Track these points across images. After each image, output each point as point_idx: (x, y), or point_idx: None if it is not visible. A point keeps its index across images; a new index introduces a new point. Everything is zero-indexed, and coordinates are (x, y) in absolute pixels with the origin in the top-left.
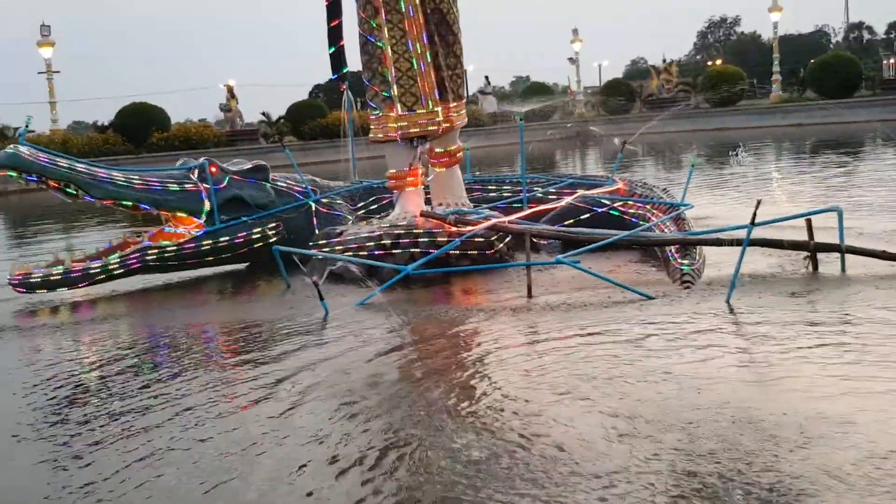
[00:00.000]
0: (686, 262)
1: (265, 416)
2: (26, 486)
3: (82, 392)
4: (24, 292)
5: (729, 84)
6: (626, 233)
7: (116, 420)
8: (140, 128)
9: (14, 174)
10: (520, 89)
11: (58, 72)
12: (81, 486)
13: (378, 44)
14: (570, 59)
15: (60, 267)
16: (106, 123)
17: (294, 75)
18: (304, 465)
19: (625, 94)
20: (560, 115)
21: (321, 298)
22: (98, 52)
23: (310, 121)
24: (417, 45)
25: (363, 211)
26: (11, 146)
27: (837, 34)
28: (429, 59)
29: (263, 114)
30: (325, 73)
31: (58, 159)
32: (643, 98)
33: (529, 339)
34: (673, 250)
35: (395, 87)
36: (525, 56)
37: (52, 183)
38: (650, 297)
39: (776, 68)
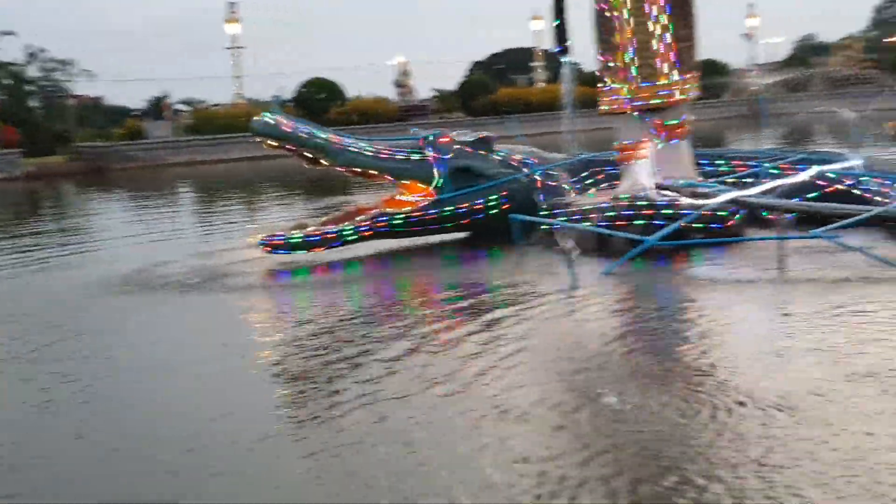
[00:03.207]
0: None
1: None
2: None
3: (331, 340)
4: (272, 252)
5: None
6: (881, 208)
7: (354, 367)
8: (320, 101)
9: (269, 140)
10: None
11: (243, 47)
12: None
13: (616, 15)
14: (746, 35)
15: (303, 231)
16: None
17: (452, 54)
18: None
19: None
20: (731, 93)
21: (570, 266)
22: (279, 29)
23: (480, 97)
24: (661, 17)
25: (582, 183)
26: (264, 114)
27: None
28: (671, 31)
29: (436, 90)
30: (484, 51)
31: (305, 127)
32: (824, 75)
33: (801, 314)
34: None
35: (633, 58)
36: None
37: (296, 148)
38: None
39: None
